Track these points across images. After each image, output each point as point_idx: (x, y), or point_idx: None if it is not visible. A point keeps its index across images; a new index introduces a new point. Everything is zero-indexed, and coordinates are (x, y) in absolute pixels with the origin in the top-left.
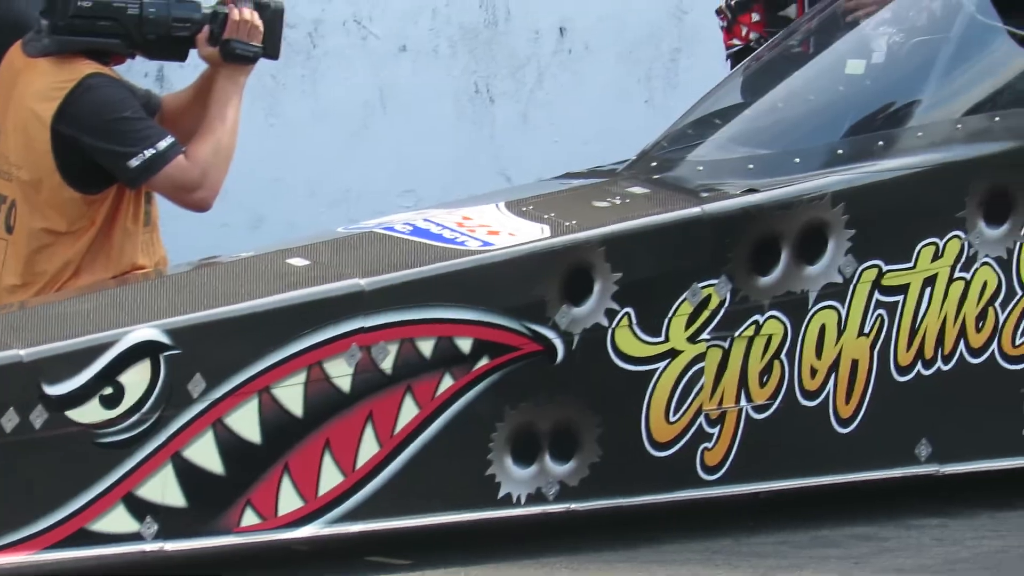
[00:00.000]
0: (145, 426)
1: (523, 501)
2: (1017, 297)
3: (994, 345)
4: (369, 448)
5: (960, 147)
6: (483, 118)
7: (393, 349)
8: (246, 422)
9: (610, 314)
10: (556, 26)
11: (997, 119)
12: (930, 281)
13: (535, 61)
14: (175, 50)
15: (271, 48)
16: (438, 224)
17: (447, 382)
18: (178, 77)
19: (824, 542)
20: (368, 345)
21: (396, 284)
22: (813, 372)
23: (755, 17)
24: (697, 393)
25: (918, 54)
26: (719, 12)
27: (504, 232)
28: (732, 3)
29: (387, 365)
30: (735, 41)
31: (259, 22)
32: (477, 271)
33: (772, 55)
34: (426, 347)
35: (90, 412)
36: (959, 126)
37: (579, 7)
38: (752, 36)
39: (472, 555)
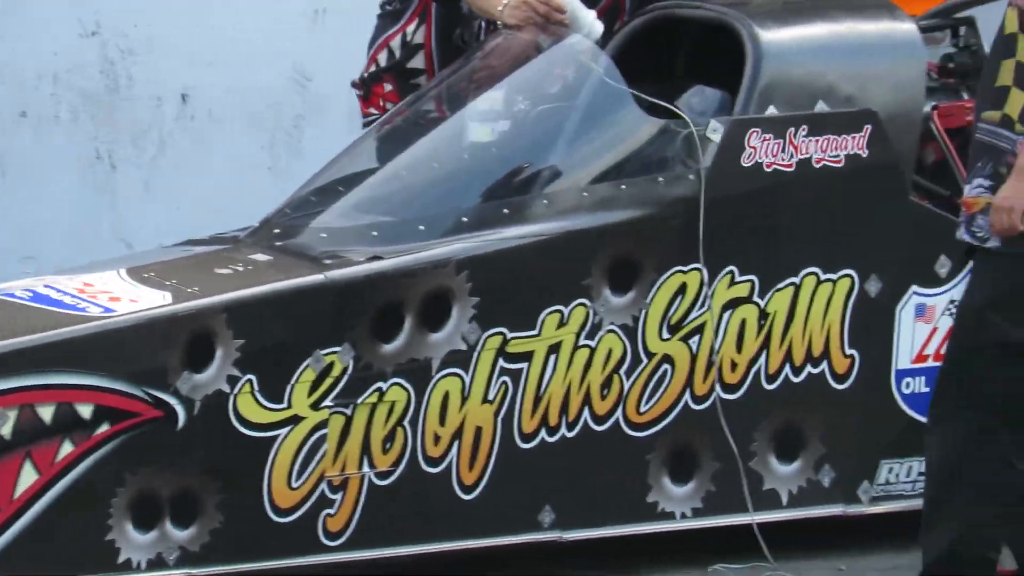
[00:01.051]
0: None
1: (143, 567)
2: (642, 365)
3: (619, 412)
4: None
5: (586, 215)
6: (105, 184)
7: (12, 415)
8: None
9: (232, 380)
10: (179, 92)
11: (623, 187)
12: (555, 348)
13: (157, 128)
14: None
15: None
16: (59, 290)
17: (67, 448)
18: None
19: None
20: None
21: (15, 350)
22: (436, 439)
23: (388, 87)
24: (320, 459)
25: (546, 121)
26: (354, 84)
27: (125, 299)
28: (365, 75)
29: (6, 431)
30: (372, 111)
31: None
32: (98, 337)
33: (398, 122)
34: (46, 413)
35: None
36: (585, 194)
37: (202, 74)
38: (388, 106)
39: None
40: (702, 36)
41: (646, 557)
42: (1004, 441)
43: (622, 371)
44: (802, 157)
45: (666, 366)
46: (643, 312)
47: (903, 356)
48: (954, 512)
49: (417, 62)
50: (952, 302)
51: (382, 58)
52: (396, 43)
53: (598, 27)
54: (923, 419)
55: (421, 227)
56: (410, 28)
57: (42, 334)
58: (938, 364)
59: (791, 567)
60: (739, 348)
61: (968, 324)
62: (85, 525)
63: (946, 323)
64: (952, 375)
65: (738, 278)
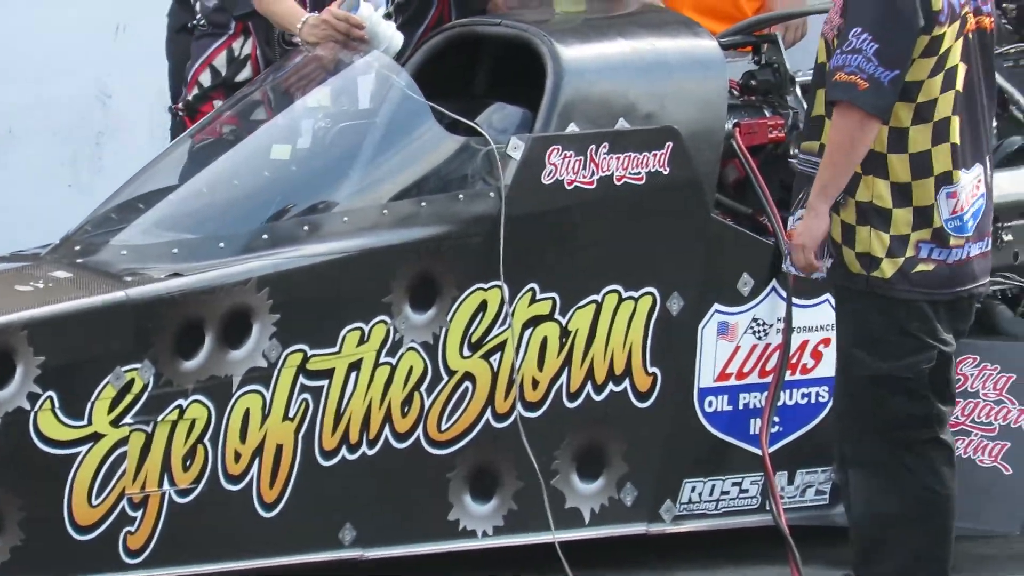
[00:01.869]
0: None
1: None
2: (443, 382)
3: (420, 430)
4: None
5: (386, 232)
6: None
7: None
8: None
9: (32, 398)
10: None
11: (424, 204)
12: (356, 366)
13: None
14: None
15: None
16: None
17: None
18: None
19: None
20: None
21: None
22: (237, 456)
23: (218, 103)
24: (120, 477)
25: (346, 138)
26: (175, 109)
27: None
28: (189, 98)
29: None
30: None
31: None
32: None
33: (200, 140)
34: None
35: None
36: (385, 211)
37: (1, 89)
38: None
39: None
40: (503, 53)
41: (448, 575)
42: (915, 468)
43: (423, 388)
44: (603, 174)
45: (467, 384)
46: (444, 329)
47: (705, 374)
48: (894, 547)
49: (246, 74)
50: (755, 320)
51: (204, 78)
52: (221, 61)
53: (397, 40)
54: (726, 437)
55: (221, 244)
56: (236, 44)
57: None
58: (740, 383)
59: None
60: (540, 366)
61: (841, 364)
62: None
63: (749, 341)
64: (845, 414)
65: (539, 296)
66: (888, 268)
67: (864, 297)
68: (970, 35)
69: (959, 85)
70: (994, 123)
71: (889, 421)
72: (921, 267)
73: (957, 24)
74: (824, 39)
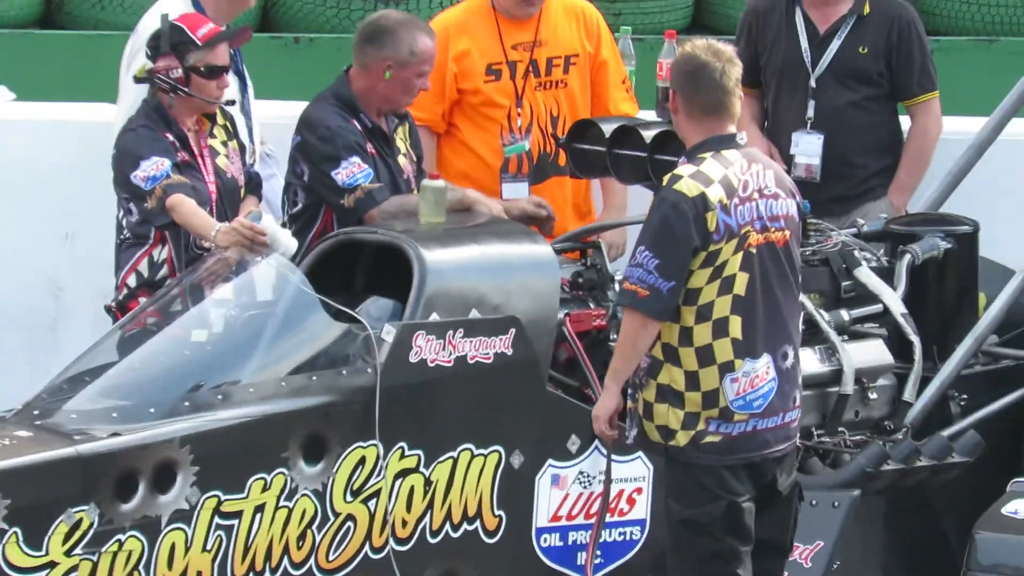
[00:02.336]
0: None
1: None
2: (330, 522)
3: (312, 561)
4: None
5: (284, 400)
6: None
7: None
8: None
9: (1, 532)
10: None
11: (314, 378)
12: (260, 508)
13: None
14: None
15: None
16: None
17: None
18: None
19: None
20: None
21: None
22: None
23: (143, 299)
24: None
25: (251, 324)
26: (108, 308)
27: None
28: (120, 298)
29: None
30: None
31: None
32: None
33: (134, 326)
34: None
35: None
36: (283, 383)
37: None
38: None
39: None
40: (379, 255)
41: None
42: None
43: (314, 527)
44: (459, 355)
45: (349, 523)
46: (331, 479)
47: (541, 516)
48: None
49: (164, 273)
50: (581, 472)
51: (132, 280)
52: (144, 265)
53: (292, 245)
54: (559, 567)
55: (152, 410)
56: (155, 251)
57: None
58: (570, 523)
59: None
60: (408, 508)
61: (662, 511)
62: None
63: (576, 489)
64: (670, 551)
65: (407, 452)
66: (683, 438)
67: (670, 460)
68: (753, 249)
69: (738, 290)
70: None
71: (698, 557)
72: (709, 438)
73: (735, 240)
74: None
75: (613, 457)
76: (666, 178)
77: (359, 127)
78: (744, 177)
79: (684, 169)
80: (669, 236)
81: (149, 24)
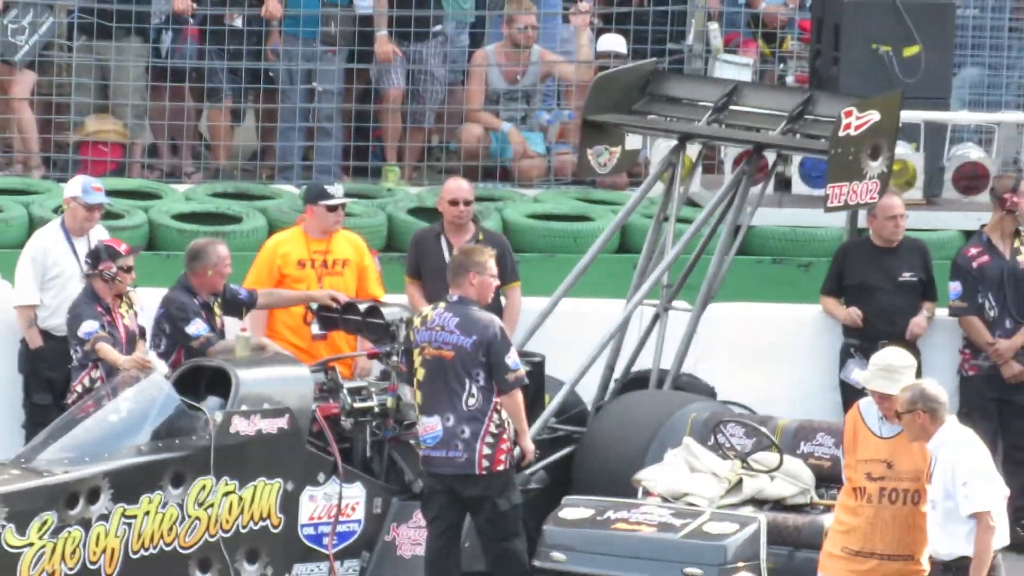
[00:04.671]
0: None
1: None
2: (186, 521)
3: (176, 543)
4: None
5: (161, 453)
6: None
7: None
8: None
9: (2, 526)
10: None
11: (177, 441)
12: (147, 513)
13: None
14: None
15: None
16: None
17: None
18: None
19: None
20: None
21: None
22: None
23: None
24: (39, 563)
25: (142, 411)
26: (64, 406)
27: None
28: (73, 397)
29: None
30: None
31: None
32: None
33: (78, 412)
34: None
35: None
36: (160, 443)
37: None
38: None
39: None
40: (214, 374)
41: None
42: None
43: (177, 523)
44: (257, 428)
45: (197, 521)
46: (186, 496)
47: (303, 517)
48: None
49: (97, 383)
50: (325, 494)
51: (79, 388)
52: (87, 380)
53: (163, 368)
54: (313, 545)
55: (87, 458)
56: (93, 372)
57: None
58: (319, 521)
59: None
60: (229, 513)
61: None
62: None
63: (323, 503)
64: None
65: (229, 481)
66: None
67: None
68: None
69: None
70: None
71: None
72: None
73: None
74: None
75: (344, 484)
76: None
77: (197, 303)
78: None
79: None
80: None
81: (38, 243)
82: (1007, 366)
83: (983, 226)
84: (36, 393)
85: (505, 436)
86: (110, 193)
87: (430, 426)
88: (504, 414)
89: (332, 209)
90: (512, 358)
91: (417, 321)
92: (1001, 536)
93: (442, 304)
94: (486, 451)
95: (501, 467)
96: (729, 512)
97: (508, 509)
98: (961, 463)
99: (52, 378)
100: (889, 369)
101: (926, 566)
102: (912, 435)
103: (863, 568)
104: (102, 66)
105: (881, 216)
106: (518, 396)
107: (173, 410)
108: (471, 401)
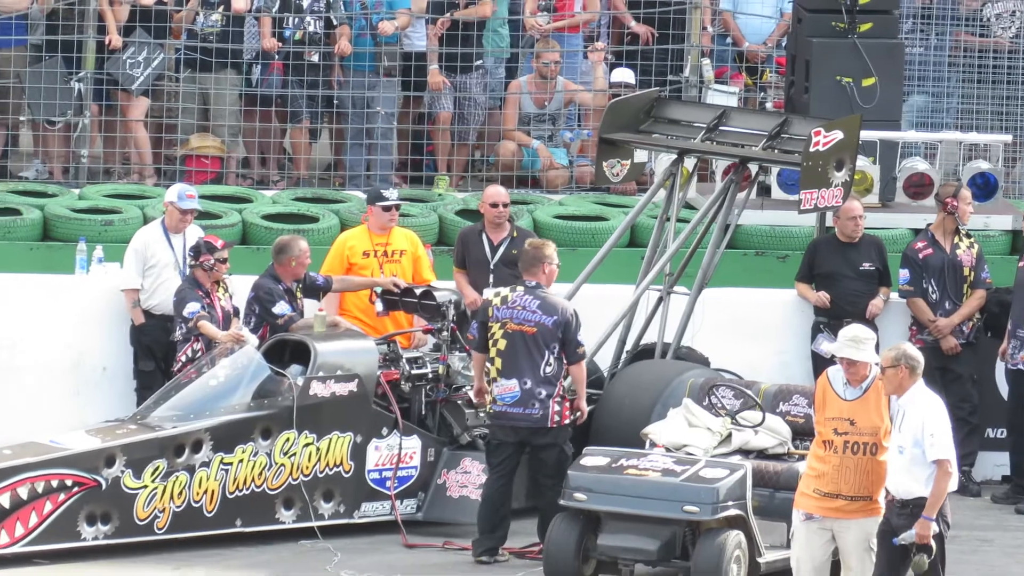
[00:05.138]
0: None
1: None
2: (273, 467)
3: (264, 485)
4: None
5: (253, 412)
6: None
7: None
8: None
9: (120, 472)
10: None
11: (266, 401)
12: (241, 461)
13: None
14: None
15: None
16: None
17: None
18: None
19: None
20: None
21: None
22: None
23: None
24: (155, 500)
25: (238, 377)
26: (171, 372)
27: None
28: (176, 367)
29: None
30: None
31: None
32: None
33: (183, 378)
34: None
35: None
36: (251, 404)
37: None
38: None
39: None
40: (296, 346)
41: None
42: None
43: (266, 470)
44: (332, 391)
45: (282, 467)
46: (273, 447)
47: (369, 464)
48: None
49: (199, 354)
50: (388, 445)
51: (183, 358)
52: (189, 352)
53: (254, 342)
54: (377, 487)
55: (192, 416)
56: (195, 345)
57: None
58: (382, 468)
59: None
60: (308, 460)
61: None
62: None
63: (386, 452)
64: None
65: (308, 435)
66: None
67: None
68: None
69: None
70: None
71: None
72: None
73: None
74: None
75: (403, 437)
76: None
77: (282, 288)
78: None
79: None
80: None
81: (141, 238)
82: (945, 340)
83: (929, 225)
84: (142, 360)
85: (568, 398)
86: (210, 198)
87: (508, 387)
88: (569, 381)
89: (387, 209)
90: (580, 337)
91: (497, 300)
92: (953, 481)
93: (520, 288)
94: (556, 408)
95: (567, 422)
96: (720, 460)
97: (570, 453)
98: (931, 418)
99: (153, 349)
100: (856, 340)
101: (882, 504)
102: (890, 388)
103: (832, 506)
104: (203, 93)
105: (844, 217)
106: (583, 367)
107: (263, 376)
108: (547, 369)
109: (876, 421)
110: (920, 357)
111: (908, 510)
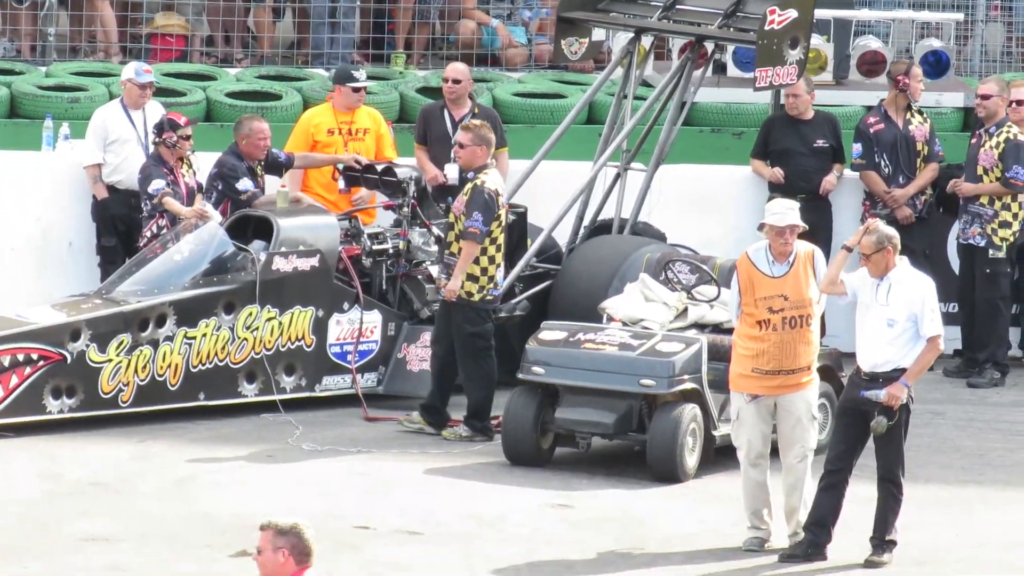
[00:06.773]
0: None
1: None
2: (236, 341)
3: (228, 359)
4: None
5: (215, 286)
6: None
7: None
8: None
9: (85, 345)
10: None
11: (229, 276)
12: (204, 335)
13: None
14: None
15: None
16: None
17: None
18: None
19: None
20: None
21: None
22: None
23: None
24: (119, 374)
25: (201, 252)
26: (136, 248)
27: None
28: (141, 243)
29: None
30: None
31: None
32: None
33: (148, 253)
34: None
35: None
36: (215, 278)
37: None
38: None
39: None
40: (259, 222)
41: None
42: None
43: (229, 344)
44: (293, 265)
45: (244, 341)
46: (235, 321)
47: (331, 337)
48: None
49: (163, 229)
50: (349, 319)
51: (148, 233)
52: (154, 227)
53: (218, 218)
54: (339, 361)
55: (155, 290)
56: (160, 221)
57: None
58: (343, 341)
59: None
60: (271, 335)
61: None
62: None
63: (346, 327)
64: None
65: (271, 309)
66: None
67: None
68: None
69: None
70: None
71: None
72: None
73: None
74: (454, 212)
75: (364, 312)
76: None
77: (244, 165)
78: None
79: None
80: (488, 207)
81: (100, 115)
82: (900, 210)
83: (882, 101)
84: (104, 236)
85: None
86: (174, 76)
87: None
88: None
89: (356, 90)
90: (479, 216)
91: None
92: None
93: None
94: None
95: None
96: (676, 334)
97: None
98: (929, 295)
99: (116, 224)
100: (790, 207)
101: (814, 375)
102: (877, 271)
103: (773, 383)
104: None
105: (787, 92)
106: (468, 244)
107: (226, 251)
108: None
109: (807, 292)
110: (895, 231)
111: (878, 383)
